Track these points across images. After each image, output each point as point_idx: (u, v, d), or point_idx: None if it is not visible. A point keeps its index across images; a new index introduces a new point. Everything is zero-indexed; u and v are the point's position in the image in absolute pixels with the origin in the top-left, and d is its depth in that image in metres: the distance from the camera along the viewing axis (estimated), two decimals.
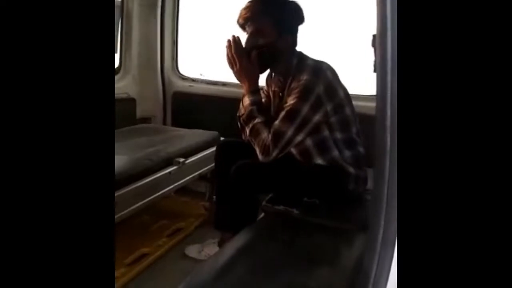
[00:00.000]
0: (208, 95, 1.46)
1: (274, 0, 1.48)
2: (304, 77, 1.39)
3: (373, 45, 0.65)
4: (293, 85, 1.42)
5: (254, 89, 1.48)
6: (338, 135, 1.48)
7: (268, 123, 1.43)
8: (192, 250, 1.83)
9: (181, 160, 1.92)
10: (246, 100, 1.48)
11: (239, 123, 1.54)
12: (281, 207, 1.50)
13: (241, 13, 1.46)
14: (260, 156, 1.43)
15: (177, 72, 2.69)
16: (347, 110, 1.47)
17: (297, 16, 1.48)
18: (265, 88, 1.66)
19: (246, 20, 1.45)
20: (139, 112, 2.61)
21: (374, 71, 0.62)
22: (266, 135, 1.41)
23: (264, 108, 1.51)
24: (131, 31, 2.49)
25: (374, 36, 0.64)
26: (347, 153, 1.50)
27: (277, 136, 1.39)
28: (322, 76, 1.40)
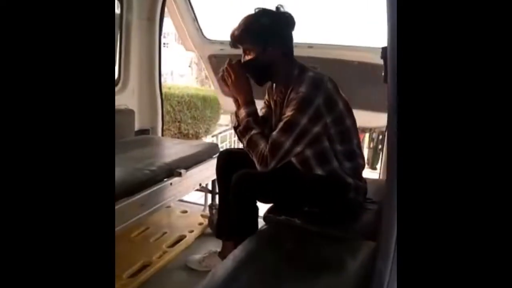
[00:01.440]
0: (238, 55, 1.51)
1: (254, 17, 1.49)
2: (303, 88, 1.40)
3: (383, 57, 0.67)
4: (292, 95, 1.44)
5: (249, 101, 1.51)
6: (338, 146, 1.48)
7: (264, 134, 1.46)
8: (193, 261, 1.82)
9: (182, 171, 1.93)
10: (242, 112, 1.51)
11: (236, 135, 1.56)
12: (283, 217, 1.50)
13: (231, 34, 1.52)
14: (258, 167, 1.44)
15: (204, 38, 2.66)
16: (347, 122, 1.48)
17: (283, 26, 1.50)
18: (267, 97, 1.68)
19: (235, 40, 1.52)
20: (138, 124, 2.61)
21: (385, 81, 0.64)
22: (263, 146, 1.42)
23: (260, 119, 1.54)
24: (130, 44, 2.51)
25: (384, 48, 0.66)
26: (347, 165, 1.51)
27: (275, 146, 1.40)
28: (322, 88, 1.41)
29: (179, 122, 7.12)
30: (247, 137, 1.48)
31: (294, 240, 1.33)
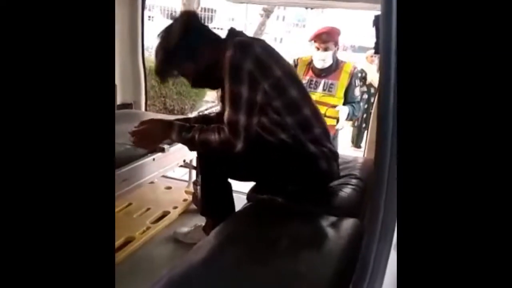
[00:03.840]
0: None
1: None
2: (229, 53, 1.31)
3: (375, 25, 0.64)
4: (222, 63, 1.34)
5: (171, 128, 1.45)
6: (289, 119, 1.41)
7: (203, 127, 1.41)
8: (179, 234, 1.84)
9: (165, 146, 1.89)
10: (177, 138, 1.46)
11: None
12: (265, 196, 1.50)
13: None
14: (225, 152, 1.37)
15: None
16: (293, 92, 1.40)
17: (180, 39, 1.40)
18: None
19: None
20: (120, 98, 2.55)
21: (376, 52, 0.61)
22: (213, 133, 1.36)
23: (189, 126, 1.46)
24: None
25: (376, 16, 0.63)
26: (304, 136, 1.43)
27: (232, 125, 1.33)
28: (251, 51, 1.32)
29: (164, 97, 7.00)
30: (196, 140, 1.39)
31: (277, 217, 1.33)
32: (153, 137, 1.54)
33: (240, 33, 1.47)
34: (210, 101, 8.82)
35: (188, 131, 1.42)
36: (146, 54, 2.73)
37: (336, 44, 2.48)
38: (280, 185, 1.52)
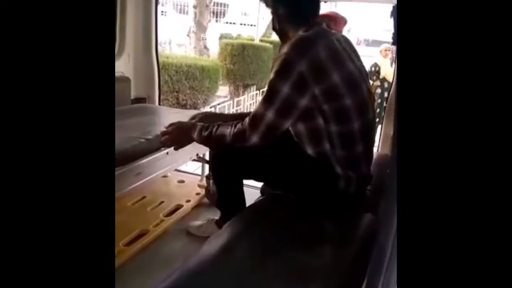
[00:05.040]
0: None
1: None
2: (286, 49, 1.24)
3: (393, 16, 0.62)
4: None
5: (197, 130, 1.44)
6: (333, 127, 1.27)
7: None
8: (192, 227, 1.85)
9: None
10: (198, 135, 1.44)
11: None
12: (279, 192, 1.49)
13: None
14: (234, 143, 1.33)
15: None
16: (347, 101, 1.26)
17: None
18: None
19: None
20: (134, 92, 2.57)
21: (393, 44, 0.60)
22: (231, 127, 1.34)
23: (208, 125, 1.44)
24: (126, 10, 2.43)
25: (394, 7, 0.61)
26: (340, 152, 1.31)
27: (255, 117, 1.27)
28: (310, 51, 1.22)
29: (177, 92, 7.03)
30: (212, 136, 1.38)
31: (290, 212, 1.33)
32: (180, 140, 1.54)
33: (326, 32, 1.34)
34: (222, 96, 8.84)
35: (207, 129, 1.41)
36: (160, 49, 2.74)
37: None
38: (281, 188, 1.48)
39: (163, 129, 1.58)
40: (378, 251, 0.63)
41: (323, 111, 1.25)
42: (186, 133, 1.48)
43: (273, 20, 1.42)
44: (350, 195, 1.35)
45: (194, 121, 1.57)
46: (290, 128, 1.36)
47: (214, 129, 1.39)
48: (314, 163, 1.34)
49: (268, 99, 1.25)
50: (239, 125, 1.33)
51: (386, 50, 5.41)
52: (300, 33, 1.30)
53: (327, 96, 1.23)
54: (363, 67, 1.40)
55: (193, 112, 2.28)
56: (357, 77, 1.31)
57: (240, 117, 1.47)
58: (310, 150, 1.34)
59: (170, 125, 1.56)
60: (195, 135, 1.44)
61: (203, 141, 1.45)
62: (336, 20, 2.32)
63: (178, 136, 1.52)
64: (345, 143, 1.30)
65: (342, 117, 1.27)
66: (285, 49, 1.26)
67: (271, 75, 1.26)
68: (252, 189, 1.70)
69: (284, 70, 1.22)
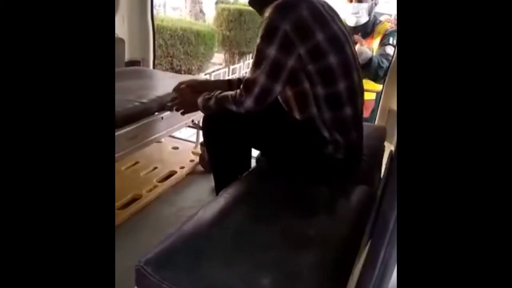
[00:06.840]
0: None
1: None
2: (270, 13, 1.25)
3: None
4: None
5: (202, 99, 1.45)
6: (319, 89, 1.29)
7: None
8: None
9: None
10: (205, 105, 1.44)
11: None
12: (272, 159, 1.48)
13: None
14: (235, 109, 1.33)
15: None
16: (331, 60, 1.27)
17: None
18: None
19: None
20: (128, 54, 2.50)
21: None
22: (232, 92, 1.34)
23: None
24: None
25: None
26: (327, 114, 1.31)
27: (248, 82, 1.28)
28: (293, 11, 1.24)
29: (171, 57, 6.91)
30: (213, 100, 1.39)
31: (286, 181, 1.32)
32: (187, 108, 1.60)
33: None
34: (217, 63, 8.70)
35: (210, 98, 1.42)
36: (154, 12, 2.65)
37: None
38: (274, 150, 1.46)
39: (169, 92, 1.67)
40: (382, 221, 0.62)
41: (308, 72, 1.27)
42: (192, 103, 1.51)
43: None
44: (339, 161, 1.36)
45: (183, 86, 1.65)
46: (278, 96, 1.37)
47: (217, 94, 1.39)
48: (302, 127, 1.36)
49: (258, 64, 1.27)
50: (238, 91, 1.32)
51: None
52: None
53: (312, 56, 1.25)
54: (347, 29, 1.42)
55: (189, 77, 2.23)
56: (341, 37, 1.32)
57: (227, 84, 1.60)
58: (298, 116, 1.36)
59: (179, 84, 1.65)
60: (200, 105, 1.46)
61: (207, 108, 1.44)
62: None
63: (186, 103, 1.59)
64: (332, 106, 1.31)
65: (327, 78, 1.29)
66: (267, 13, 1.27)
67: (258, 40, 1.28)
68: None
69: (269, 33, 1.24)
